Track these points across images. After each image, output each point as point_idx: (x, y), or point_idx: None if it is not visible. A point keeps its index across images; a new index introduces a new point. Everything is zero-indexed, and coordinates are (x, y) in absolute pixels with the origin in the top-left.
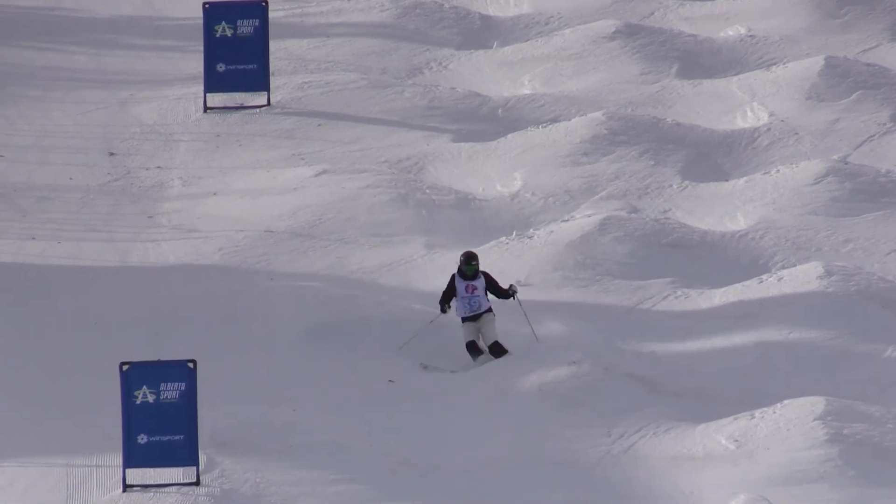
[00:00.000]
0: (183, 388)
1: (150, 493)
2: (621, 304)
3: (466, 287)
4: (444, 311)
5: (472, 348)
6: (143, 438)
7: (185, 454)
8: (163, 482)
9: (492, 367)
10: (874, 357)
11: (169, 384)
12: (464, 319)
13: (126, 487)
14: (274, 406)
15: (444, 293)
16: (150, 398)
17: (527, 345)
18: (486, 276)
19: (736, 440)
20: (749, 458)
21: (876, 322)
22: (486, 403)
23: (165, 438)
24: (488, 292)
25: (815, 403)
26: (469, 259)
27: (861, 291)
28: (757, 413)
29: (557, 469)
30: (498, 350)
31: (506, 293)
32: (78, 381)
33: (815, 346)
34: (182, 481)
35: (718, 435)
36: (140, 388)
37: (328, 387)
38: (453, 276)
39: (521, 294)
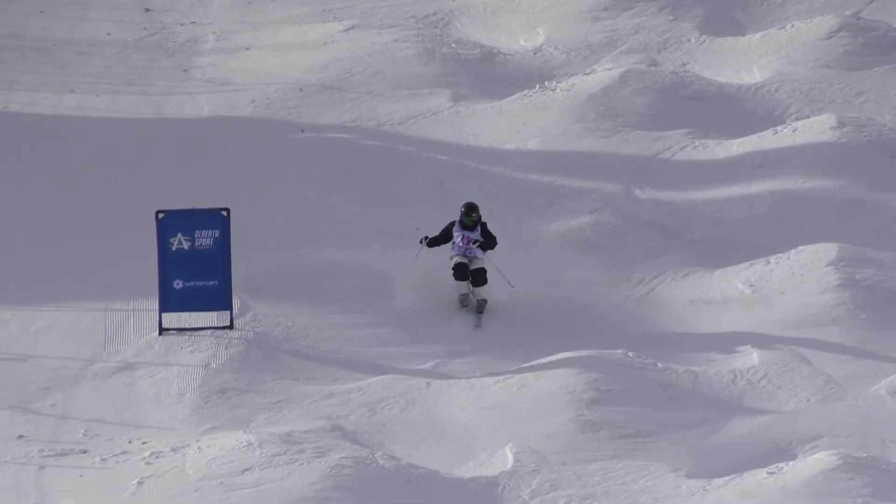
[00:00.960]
0: (217, 235)
1: (186, 336)
2: (640, 154)
3: (463, 237)
4: (423, 243)
5: (463, 301)
6: (178, 284)
7: (220, 299)
8: (198, 326)
9: (519, 216)
10: (884, 206)
11: (203, 231)
12: (456, 270)
13: (162, 331)
14: (304, 253)
15: (436, 238)
16: (185, 245)
17: (548, 192)
18: (484, 226)
19: (751, 285)
20: (764, 303)
21: (887, 172)
22: (513, 249)
23: (200, 284)
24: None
25: (827, 250)
26: (470, 210)
27: (872, 142)
28: (772, 259)
29: (581, 312)
30: (482, 305)
31: (489, 245)
32: (115, 228)
33: (827, 195)
34: (216, 325)
35: (735, 280)
36: (175, 236)
37: (357, 234)
38: (451, 224)
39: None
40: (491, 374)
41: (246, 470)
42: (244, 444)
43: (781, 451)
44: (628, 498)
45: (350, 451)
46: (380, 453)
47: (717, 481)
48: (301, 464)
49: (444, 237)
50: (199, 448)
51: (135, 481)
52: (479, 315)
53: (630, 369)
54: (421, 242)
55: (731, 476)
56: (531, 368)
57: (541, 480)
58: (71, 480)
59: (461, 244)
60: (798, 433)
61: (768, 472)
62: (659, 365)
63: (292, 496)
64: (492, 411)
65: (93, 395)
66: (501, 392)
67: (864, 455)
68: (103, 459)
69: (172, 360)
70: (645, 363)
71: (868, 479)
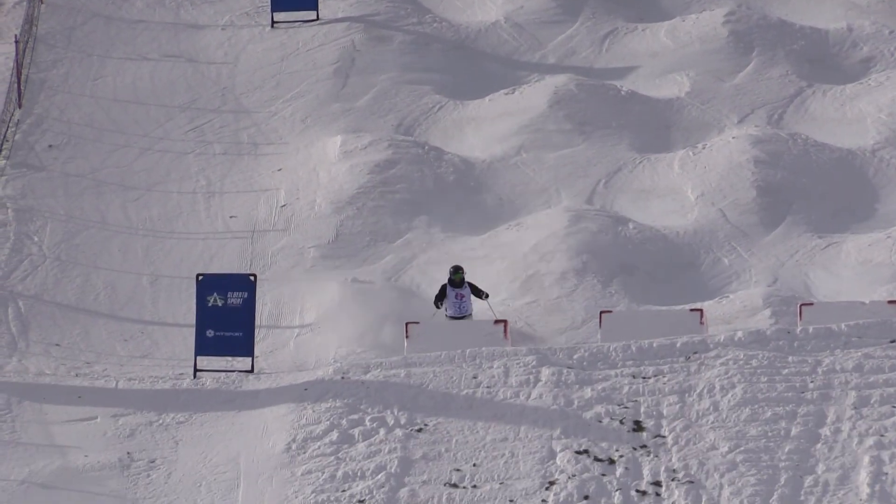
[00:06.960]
0: None
1: None
2: None
3: (456, 294)
4: (438, 307)
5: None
6: None
7: None
8: None
9: None
10: None
11: None
12: (450, 318)
13: None
14: None
15: (437, 296)
16: None
17: None
18: (471, 284)
19: None
20: None
21: None
22: None
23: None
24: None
25: None
26: (456, 270)
27: None
28: None
29: None
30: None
31: (480, 295)
32: None
33: None
34: None
35: None
36: None
37: None
38: (444, 285)
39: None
40: None
41: None
42: None
43: None
44: None
45: None
46: None
47: None
48: None
49: (442, 295)
50: None
51: None
52: None
53: None
54: (437, 307)
55: None
56: None
57: None
58: None
59: (455, 300)
60: None
61: None
62: None
63: None
64: None
65: None
66: None
67: None
68: None
69: None
70: None
71: None
